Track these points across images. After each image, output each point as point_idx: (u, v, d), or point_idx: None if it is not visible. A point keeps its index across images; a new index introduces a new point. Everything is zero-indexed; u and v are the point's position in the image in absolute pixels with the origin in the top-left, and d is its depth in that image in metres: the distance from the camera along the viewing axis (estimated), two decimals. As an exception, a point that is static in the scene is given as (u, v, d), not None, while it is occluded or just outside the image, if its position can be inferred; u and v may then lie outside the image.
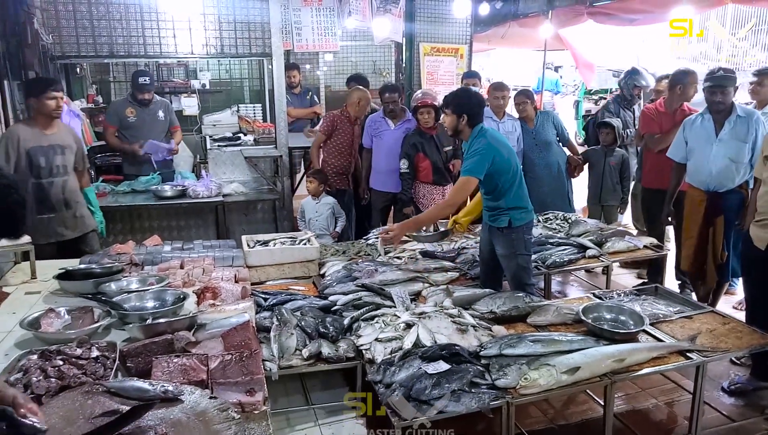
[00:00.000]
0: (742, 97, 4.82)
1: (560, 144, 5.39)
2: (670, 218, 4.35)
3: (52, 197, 3.84)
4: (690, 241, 4.07)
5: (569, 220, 4.76)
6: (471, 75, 6.21)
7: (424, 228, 4.33)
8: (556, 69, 13.34)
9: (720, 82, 3.73)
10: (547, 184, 5.30)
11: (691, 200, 4.05)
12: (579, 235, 4.37)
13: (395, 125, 5.04)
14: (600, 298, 3.36)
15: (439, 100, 4.63)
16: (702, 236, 3.99)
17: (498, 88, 5.37)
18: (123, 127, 5.22)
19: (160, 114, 5.35)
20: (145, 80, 5.23)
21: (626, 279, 5.17)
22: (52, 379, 1.92)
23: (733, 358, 3.54)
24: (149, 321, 2.44)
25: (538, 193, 5.42)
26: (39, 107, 3.73)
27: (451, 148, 4.85)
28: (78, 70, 6.81)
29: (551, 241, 4.26)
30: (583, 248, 4.15)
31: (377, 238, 4.40)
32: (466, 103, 3.37)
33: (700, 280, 4.11)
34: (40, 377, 1.93)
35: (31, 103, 3.77)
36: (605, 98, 12.70)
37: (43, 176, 3.78)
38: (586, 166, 5.43)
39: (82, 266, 3.19)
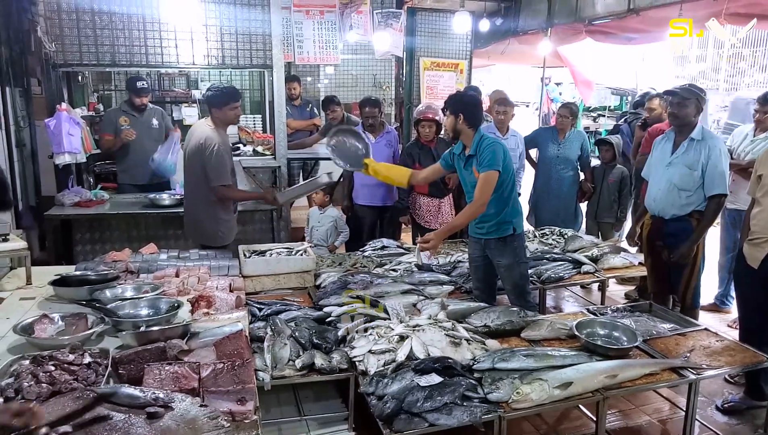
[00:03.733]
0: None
1: (579, 165, 5.38)
2: (635, 239, 4.12)
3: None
4: (647, 265, 4.01)
5: (565, 236, 4.78)
6: (471, 90, 6.24)
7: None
8: (557, 84, 13.42)
9: (678, 92, 3.55)
10: (555, 198, 5.32)
11: (645, 223, 3.93)
12: (575, 251, 4.39)
13: (375, 138, 5.06)
14: (594, 313, 3.37)
15: (441, 115, 4.68)
16: (647, 262, 3.96)
17: (501, 102, 5.36)
18: (117, 135, 5.22)
19: (154, 122, 5.35)
20: (142, 84, 5.29)
21: (622, 295, 5.17)
22: (44, 384, 1.91)
23: (728, 377, 3.54)
24: (142, 328, 2.44)
25: (544, 205, 5.45)
26: (220, 116, 3.91)
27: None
28: (80, 78, 6.86)
29: (547, 256, 4.28)
30: (578, 264, 4.16)
31: (399, 247, 4.52)
32: (460, 102, 3.49)
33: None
34: (32, 382, 1.92)
35: (213, 112, 3.94)
36: (604, 115, 12.81)
37: (234, 174, 4.09)
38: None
39: (78, 273, 3.19)
